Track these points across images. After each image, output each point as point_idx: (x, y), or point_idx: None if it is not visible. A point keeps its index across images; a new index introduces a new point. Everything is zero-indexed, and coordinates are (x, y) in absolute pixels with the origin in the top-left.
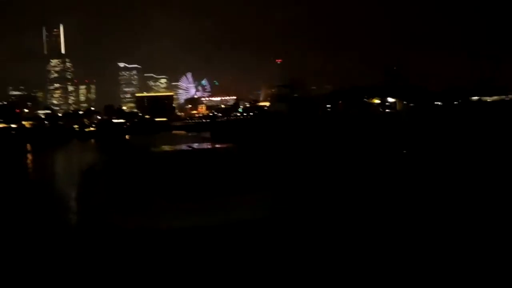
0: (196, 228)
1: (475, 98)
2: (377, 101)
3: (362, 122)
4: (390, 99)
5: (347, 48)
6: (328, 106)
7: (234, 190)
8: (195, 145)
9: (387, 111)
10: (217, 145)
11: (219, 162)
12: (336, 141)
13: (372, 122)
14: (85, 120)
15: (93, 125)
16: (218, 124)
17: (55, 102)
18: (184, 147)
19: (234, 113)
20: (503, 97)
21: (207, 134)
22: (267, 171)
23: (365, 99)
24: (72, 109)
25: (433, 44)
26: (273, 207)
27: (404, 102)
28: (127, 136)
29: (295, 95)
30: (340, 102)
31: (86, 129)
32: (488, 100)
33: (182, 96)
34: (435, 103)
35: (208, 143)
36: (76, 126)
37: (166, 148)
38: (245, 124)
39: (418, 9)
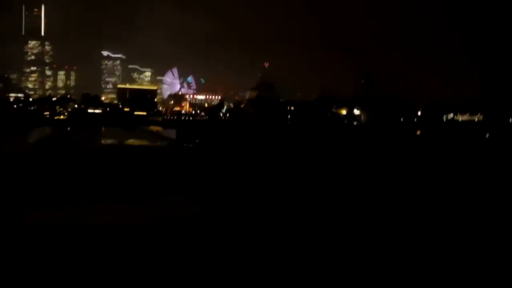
0: (104, 227)
1: (450, 115)
2: (344, 111)
3: (314, 130)
4: (356, 111)
5: (335, 55)
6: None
7: (152, 192)
8: (134, 143)
9: (351, 122)
10: (158, 144)
11: (149, 162)
12: (280, 147)
13: (323, 131)
14: (57, 107)
15: (66, 113)
16: (184, 122)
17: (30, 86)
18: (119, 144)
19: (218, 113)
20: (475, 117)
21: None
22: (197, 173)
23: (333, 110)
24: (48, 94)
25: (422, 54)
26: (187, 209)
27: (368, 115)
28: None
29: (265, 99)
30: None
31: (56, 117)
32: (460, 120)
33: (166, 91)
34: (407, 116)
35: (159, 142)
36: (46, 112)
37: (98, 144)
38: (212, 125)
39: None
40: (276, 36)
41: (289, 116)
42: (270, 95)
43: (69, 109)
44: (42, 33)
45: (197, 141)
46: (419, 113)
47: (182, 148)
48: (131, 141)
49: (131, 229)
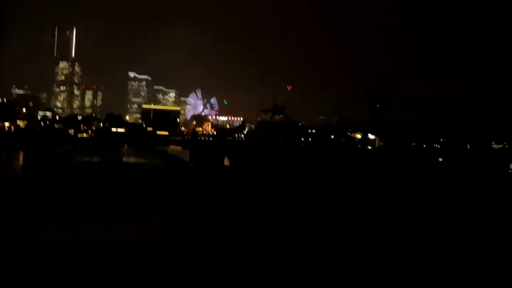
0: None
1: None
2: (358, 136)
3: (324, 152)
4: (371, 136)
5: (355, 78)
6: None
7: (138, 209)
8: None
9: (365, 147)
10: (154, 162)
11: (138, 180)
12: (282, 167)
13: (332, 153)
14: (82, 125)
15: (89, 132)
16: (199, 143)
17: (59, 104)
18: (113, 160)
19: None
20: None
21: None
22: (192, 192)
23: (348, 133)
24: (75, 113)
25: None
26: (167, 228)
27: (381, 141)
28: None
29: (278, 121)
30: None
31: (79, 135)
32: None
33: (189, 112)
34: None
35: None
36: (71, 130)
37: (88, 159)
38: (224, 145)
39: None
40: (300, 59)
41: (302, 139)
42: (282, 118)
43: (93, 128)
44: (73, 55)
45: (208, 160)
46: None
47: (181, 166)
48: (134, 160)
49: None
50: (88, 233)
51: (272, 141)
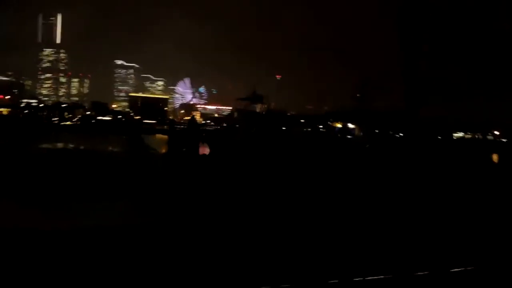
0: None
1: (458, 134)
2: (339, 125)
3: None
4: (350, 125)
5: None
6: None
7: (90, 197)
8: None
9: (344, 136)
10: (120, 150)
11: (97, 168)
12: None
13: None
14: (66, 113)
15: (74, 120)
16: (176, 132)
17: (44, 92)
18: (70, 148)
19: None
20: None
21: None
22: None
23: (329, 122)
24: (62, 101)
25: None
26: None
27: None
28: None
29: (255, 109)
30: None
31: (62, 123)
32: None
33: (177, 101)
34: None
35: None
36: (55, 118)
37: (46, 147)
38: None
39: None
40: (290, 48)
41: (282, 128)
42: (265, 107)
43: (78, 116)
44: (58, 41)
45: (184, 149)
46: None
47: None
48: (99, 147)
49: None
50: (36, 222)
51: (246, 130)
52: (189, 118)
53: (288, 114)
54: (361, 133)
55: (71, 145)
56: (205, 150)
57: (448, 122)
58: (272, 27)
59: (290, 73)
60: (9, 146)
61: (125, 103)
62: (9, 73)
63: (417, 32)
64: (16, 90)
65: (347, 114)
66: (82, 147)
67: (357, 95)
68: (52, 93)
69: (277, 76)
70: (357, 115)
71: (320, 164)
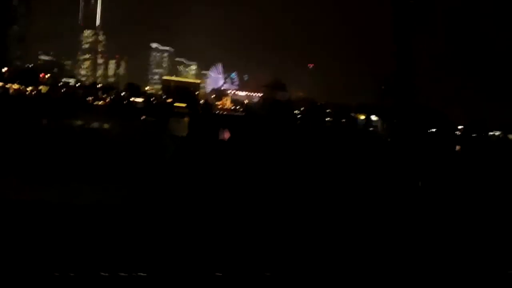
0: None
1: (495, 133)
2: (362, 117)
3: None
4: (373, 117)
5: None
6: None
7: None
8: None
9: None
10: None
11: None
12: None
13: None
14: (99, 93)
15: (107, 100)
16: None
17: (83, 72)
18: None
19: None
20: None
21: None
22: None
23: (351, 114)
24: (99, 82)
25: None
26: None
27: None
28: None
29: (277, 98)
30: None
31: (95, 102)
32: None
33: (209, 86)
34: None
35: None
36: (90, 98)
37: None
38: (224, 120)
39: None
40: (326, 38)
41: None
42: (279, 94)
43: (111, 97)
44: (97, 24)
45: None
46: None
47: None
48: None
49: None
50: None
51: (263, 119)
52: (218, 103)
53: (318, 104)
54: (384, 126)
55: (94, 124)
56: (225, 135)
57: (485, 123)
58: (306, 17)
59: (321, 63)
60: (31, 121)
61: (159, 86)
62: (51, 53)
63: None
64: (56, 69)
65: (371, 107)
66: (104, 126)
67: (382, 87)
68: (90, 74)
69: (309, 65)
70: (380, 108)
71: (337, 158)
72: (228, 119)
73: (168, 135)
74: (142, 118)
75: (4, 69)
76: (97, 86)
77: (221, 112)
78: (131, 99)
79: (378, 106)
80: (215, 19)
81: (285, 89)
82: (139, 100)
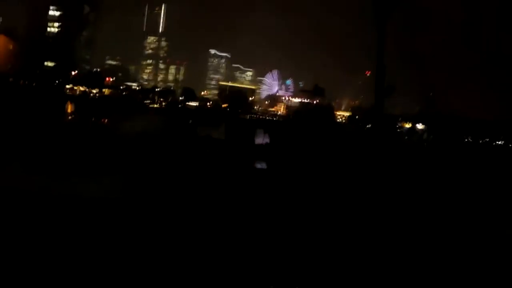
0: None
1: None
2: (407, 125)
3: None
4: (419, 126)
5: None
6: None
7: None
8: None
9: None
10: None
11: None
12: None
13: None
14: (156, 97)
15: (161, 103)
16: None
17: (145, 77)
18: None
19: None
20: None
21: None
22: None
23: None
24: (159, 86)
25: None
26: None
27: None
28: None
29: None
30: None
31: (151, 105)
32: None
33: (264, 92)
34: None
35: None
36: (147, 101)
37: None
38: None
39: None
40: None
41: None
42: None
43: (168, 100)
44: (161, 30)
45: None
46: None
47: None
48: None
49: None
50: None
51: (302, 125)
52: (272, 108)
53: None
54: (431, 136)
55: (143, 126)
56: (262, 140)
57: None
58: (367, 27)
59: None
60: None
61: (215, 91)
62: (117, 58)
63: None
64: (120, 74)
65: (416, 116)
66: (151, 129)
67: (430, 94)
68: (151, 78)
69: (367, 72)
70: (426, 117)
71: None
72: (266, 123)
73: (206, 138)
74: (189, 121)
75: (73, 73)
76: (156, 90)
77: (259, 116)
78: (186, 103)
79: (424, 114)
80: (273, 27)
81: (323, 94)
82: (194, 104)
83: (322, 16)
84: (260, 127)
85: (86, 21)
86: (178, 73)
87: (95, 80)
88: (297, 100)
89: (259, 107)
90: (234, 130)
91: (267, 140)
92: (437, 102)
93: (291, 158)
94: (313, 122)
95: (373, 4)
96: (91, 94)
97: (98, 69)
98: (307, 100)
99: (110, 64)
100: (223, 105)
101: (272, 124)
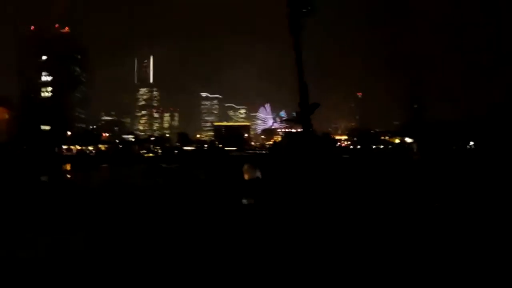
0: None
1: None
2: (397, 140)
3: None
4: (408, 139)
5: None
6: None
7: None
8: None
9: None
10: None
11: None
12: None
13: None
14: (152, 146)
15: (159, 151)
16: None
17: (141, 127)
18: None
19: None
20: None
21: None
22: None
23: (384, 138)
24: (156, 135)
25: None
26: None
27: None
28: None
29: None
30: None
31: (146, 155)
32: None
33: (259, 127)
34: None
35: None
36: (143, 151)
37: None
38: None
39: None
40: (368, 67)
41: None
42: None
43: (163, 147)
44: (151, 80)
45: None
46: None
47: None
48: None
49: None
50: None
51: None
52: (268, 142)
53: (372, 131)
54: (419, 147)
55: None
56: (252, 175)
57: None
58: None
59: (372, 91)
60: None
61: (212, 133)
62: (112, 112)
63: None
64: (117, 128)
65: (402, 129)
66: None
67: (414, 106)
68: (147, 128)
69: (358, 94)
70: (412, 128)
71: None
72: (257, 157)
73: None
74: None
75: (69, 133)
76: (151, 139)
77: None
78: (183, 148)
79: (411, 127)
80: (259, 62)
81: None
82: (189, 148)
83: (307, 47)
84: (249, 161)
85: (77, 81)
86: (173, 120)
87: (90, 138)
88: (293, 130)
89: (256, 142)
90: (218, 167)
91: (259, 174)
92: (422, 111)
93: (278, 190)
94: (294, 152)
95: (289, 21)
96: (87, 152)
97: (94, 126)
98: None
99: (106, 120)
100: (219, 145)
101: (263, 158)
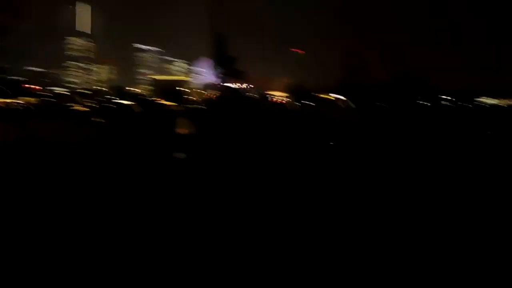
0: None
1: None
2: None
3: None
4: (334, 95)
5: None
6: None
7: None
8: None
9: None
10: None
11: None
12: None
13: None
14: (83, 99)
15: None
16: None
17: (76, 80)
18: None
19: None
20: (506, 101)
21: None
22: None
23: (314, 94)
24: (93, 88)
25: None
26: None
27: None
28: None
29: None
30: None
31: (74, 108)
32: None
33: (198, 81)
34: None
35: None
36: (71, 104)
37: None
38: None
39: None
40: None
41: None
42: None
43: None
44: (88, 31)
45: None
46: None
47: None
48: None
49: None
50: None
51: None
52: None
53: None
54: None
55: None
56: (187, 130)
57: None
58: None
59: (315, 48)
60: None
61: (150, 87)
62: (40, 63)
63: None
64: (47, 80)
65: (338, 87)
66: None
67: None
68: (81, 81)
69: (293, 50)
70: (346, 87)
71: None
72: (193, 112)
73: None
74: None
75: None
76: (86, 92)
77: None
78: (119, 101)
79: (344, 85)
80: (198, 18)
81: (240, 75)
82: (127, 102)
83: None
84: (185, 116)
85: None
86: (111, 73)
87: (14, 89)
88: (235, 85)
89: (196, 97)
90: (153, 121)
91: (193, 129)
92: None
93: (211, 146)
94: (225, 108)
95: None
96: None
97: (19, 78)
98: (234, 84)
99: (32, 71)
100: (156, 100)
101: (200, 113)
